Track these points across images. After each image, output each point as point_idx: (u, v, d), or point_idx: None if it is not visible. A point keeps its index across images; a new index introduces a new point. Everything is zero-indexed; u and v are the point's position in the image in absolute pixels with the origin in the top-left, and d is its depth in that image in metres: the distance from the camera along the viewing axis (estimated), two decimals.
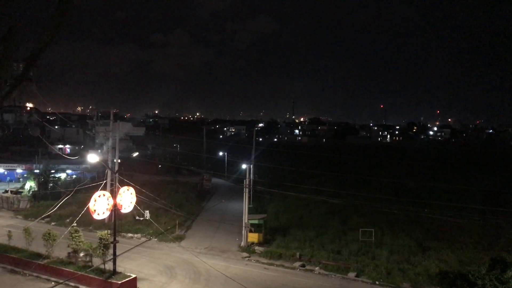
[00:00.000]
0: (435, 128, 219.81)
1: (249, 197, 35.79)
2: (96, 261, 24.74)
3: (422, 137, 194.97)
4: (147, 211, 34.60)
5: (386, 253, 28.93)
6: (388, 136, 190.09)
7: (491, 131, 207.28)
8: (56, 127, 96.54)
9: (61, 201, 30.55)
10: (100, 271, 23.82)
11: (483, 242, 31.79)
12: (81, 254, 25.90)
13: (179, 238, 33.72)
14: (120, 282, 22.55)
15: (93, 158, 30.51)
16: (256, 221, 32.90)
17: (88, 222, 34.29)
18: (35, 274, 25.22)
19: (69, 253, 26.32)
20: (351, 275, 26.33)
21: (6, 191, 46.84)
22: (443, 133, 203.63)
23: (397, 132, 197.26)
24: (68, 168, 56.83)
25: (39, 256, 26.07)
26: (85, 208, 24.34)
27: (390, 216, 37.20)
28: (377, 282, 25.28)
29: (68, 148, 77.46)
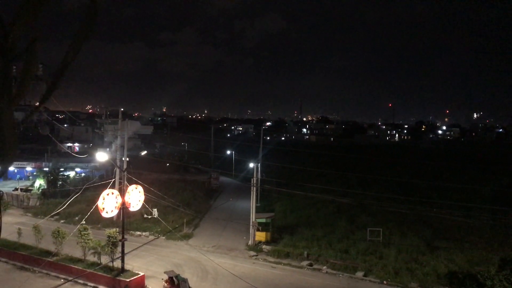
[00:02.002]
0: (444, 127, 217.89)
1: (256, 196, 35.79)
2: (105, 259, 24.94)
3: (431, 136, 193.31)
4: (155, 209, 34.78)
5: (394, 253, 28.74)
6: (397, 135, 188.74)
7: (501, 130, 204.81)
8: (65, 125, 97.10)
9: (70, 199, 30.87)
10: (109, 269, 24.01)
11: (492, 242, 31.44)
12: None
13: (187, 236, 33.84)
14: (128, 280, 22.70)
15: (101, 156, 30.83)
16: (263, 220, 32.90)
17: (96, 220, 34.51)
18: (44, 271, 25.49)
19: None
20: (359, 274, 26.24)
21: (16, 189, 47.36)
22: (452, 132, 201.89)
23: (405, 131, 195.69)
24: (77, 166, 57.35)
25: (48, 253, 26.35)
26: (94, 206, 24.57)
27: (398, 215, 36.96)
28: (385, 282, 25.15)
29: (77, 146, 77.99)
